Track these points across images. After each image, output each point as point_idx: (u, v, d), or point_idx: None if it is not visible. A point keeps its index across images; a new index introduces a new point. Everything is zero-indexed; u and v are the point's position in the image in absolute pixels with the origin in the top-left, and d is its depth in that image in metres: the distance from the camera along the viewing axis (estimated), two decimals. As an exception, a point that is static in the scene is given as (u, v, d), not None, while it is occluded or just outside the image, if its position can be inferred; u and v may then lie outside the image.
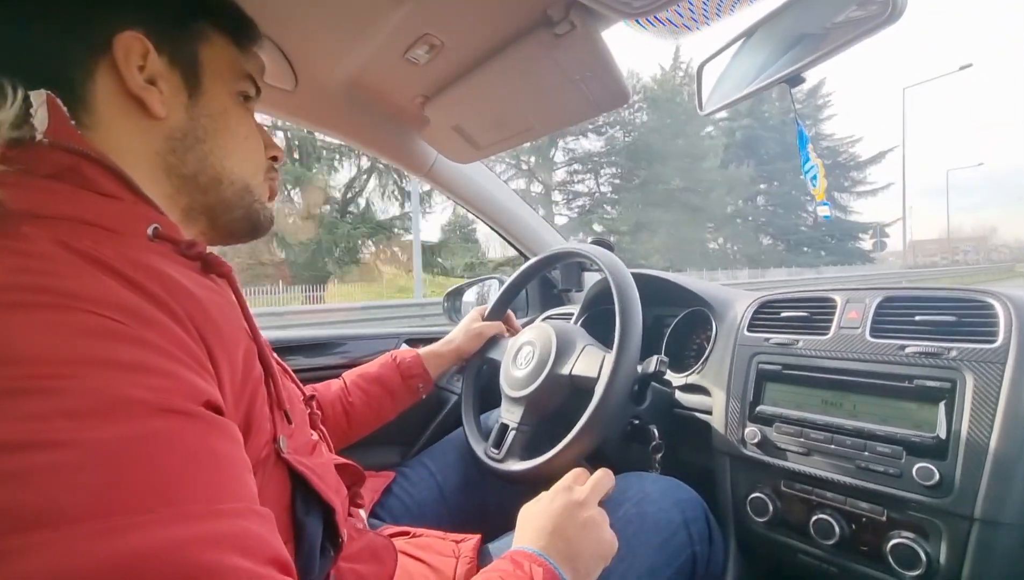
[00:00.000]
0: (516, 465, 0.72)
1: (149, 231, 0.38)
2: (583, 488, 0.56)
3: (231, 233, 0.50)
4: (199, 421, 0.29)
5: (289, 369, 0.60)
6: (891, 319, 0.65)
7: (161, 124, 0.42)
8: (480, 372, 0.94)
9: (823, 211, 0.71)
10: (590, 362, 0.71)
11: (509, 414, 0.78)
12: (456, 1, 0.64)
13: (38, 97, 0.35)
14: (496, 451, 0.77)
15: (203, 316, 0.35)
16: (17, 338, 0.25)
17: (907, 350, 0.61)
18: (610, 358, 0.66)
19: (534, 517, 0.53)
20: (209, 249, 0.43)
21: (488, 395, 0.92)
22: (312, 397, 0.61)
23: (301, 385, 0.62)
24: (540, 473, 0.67)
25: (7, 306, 0.26)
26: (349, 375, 0.84)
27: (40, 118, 0.34)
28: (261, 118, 0.58)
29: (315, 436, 0.54)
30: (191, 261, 0.40)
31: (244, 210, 0.49)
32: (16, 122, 0.32)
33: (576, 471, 0.60)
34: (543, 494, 0.56)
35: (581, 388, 0.71)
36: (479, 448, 0.80)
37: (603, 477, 0.58)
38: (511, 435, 0.76)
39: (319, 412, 0.66)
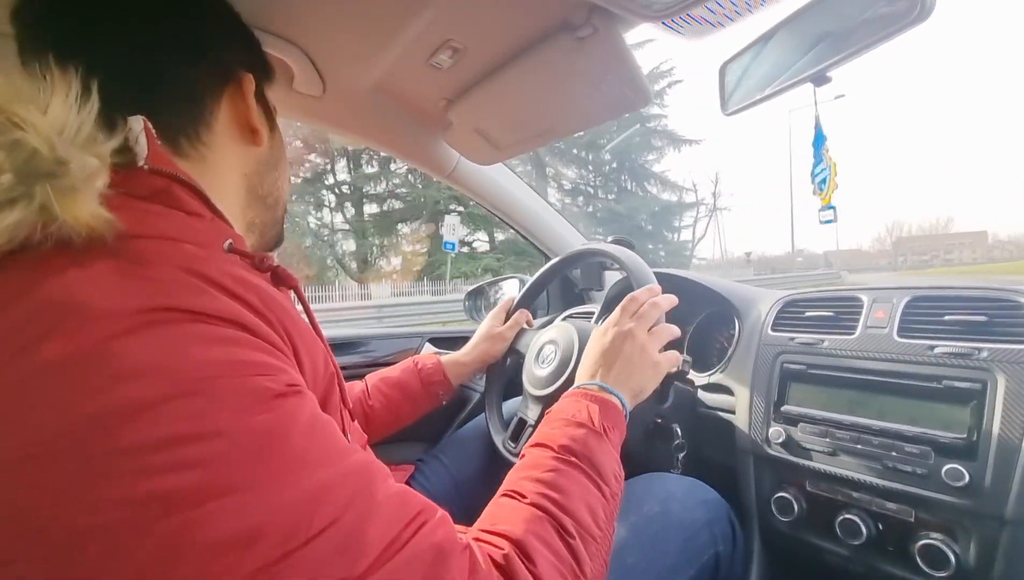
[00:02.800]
0: None
1: (225, 246, 0.41)
2: (631, 321, 0.62)
3: (269, 246, 0.56)
4: (303, 397, 0.34)
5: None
6: (919, 319, 0.65)
7: (257, 150, 0.49)
8: (505, 365, 0.95)
9: (825, 216, 0.69)
10: None
11: (528, 410, 0.79)
12: (478, 7, 0.66)
13: (136, 124, 0.38)
14: (513, 445, 0.79)
15: (289, 321, 0.39)
16: (169, 352, 0.29)
17: (936, 350, 0.60)
18: None
19: (588, 354, 0.62)
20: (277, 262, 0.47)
21: (512, 385, 0.93)
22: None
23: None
24: None
25: (154, 324, 0.29)
26: (371, 378, 0.86)
27: (141, 145, 0.37)
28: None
29: (363, 439, 0.57)
30: (263, 273, 0.44)
31: (279, 228, 0.56)
32: (120, 148, 0.34)
33: (626, 299, 0.64)
34: (596, 330, 0.64)
35: None
36: (498, 438, 0.82)
37: (650, 309, 0.64)
38: (528, 431, 0.77)
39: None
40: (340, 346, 1.21)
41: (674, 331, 0.66)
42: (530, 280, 0.99)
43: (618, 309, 0.64)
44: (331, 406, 0.44)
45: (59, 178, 0.30)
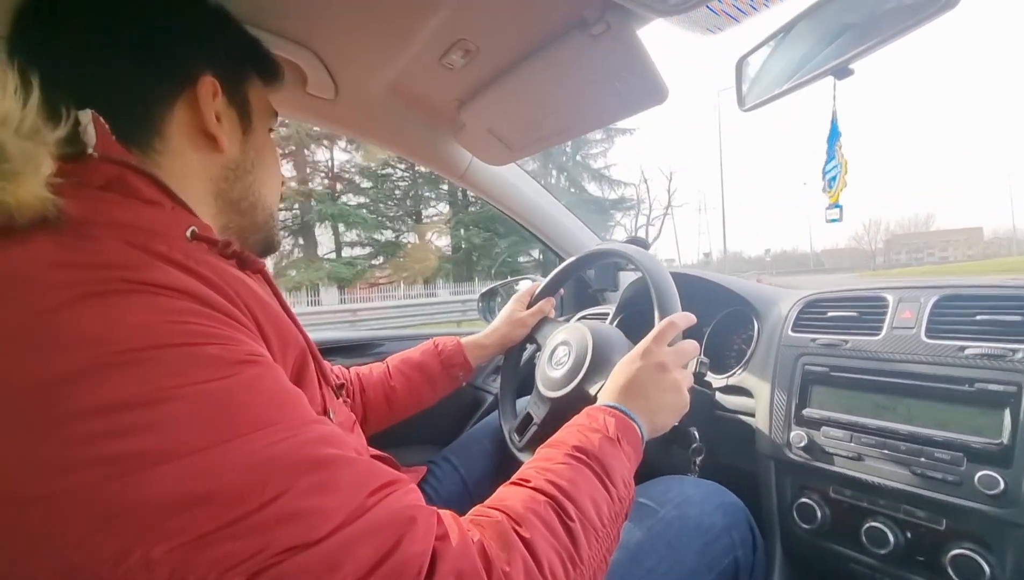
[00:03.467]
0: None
1: (188, 233, 0.41)
2: (668, 351, 0.60)
3: (254, 252, 0.54)
4: (266, 366, 0.35)
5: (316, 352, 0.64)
6: (949, 319, 0.62)
7: (221, 156, 0.48)
8: (523, 352, 0.94)
9: (831, 215, 0.67)
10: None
11: (536, 408, 0.78)
12: (491, 6, 0.65)
13: (85, 116, 0.38)
14: (518, 438, 0.78)
15: (251, 296, 0.40)
16: (113, 320, 0.29)
17: (967, 352, 0.58)
18: (654, 316, 0.66)
19: (616, 377, 0.60)
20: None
21: (531, 379, 0.92)
22: (342, 385, 0.64)
23: (330, 375, 0.65)
24: None
25: (96, 294, 0.30)
26: (392, 360, 0.87)
27: (89, 135, 0.38)
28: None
29: (353, 417, 0.57)
30: (228, 258, 0.45)
31: (266, 233, 0.55)
32: (68, 139, 0.35)
33: (660, 331, 0.62)
34: (631, 352, 0.62)
35: None
36: (507, 426, 0.82)
37: (688, 345, 0.62)
38: (533, 429, 0.77)
39: (350, 399, 0.70)
40: (355, 348, 1.22)
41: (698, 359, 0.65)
42: (545, 280, 0.98)
43: (654, 336, 0.61)
44: (306, 382, 0.44)
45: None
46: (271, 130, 0.57)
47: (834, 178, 0.68)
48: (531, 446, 0.76)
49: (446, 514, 0.36)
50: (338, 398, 0.52)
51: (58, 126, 0.34)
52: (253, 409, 0.31)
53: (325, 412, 0.46)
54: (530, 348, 0.94)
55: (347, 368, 0.85)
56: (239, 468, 0.29)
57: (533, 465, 0.46)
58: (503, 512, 0.38)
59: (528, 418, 0.79)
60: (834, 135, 0.68)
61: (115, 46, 0.42)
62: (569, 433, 0.50)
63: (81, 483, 0.25)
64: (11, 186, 0.30)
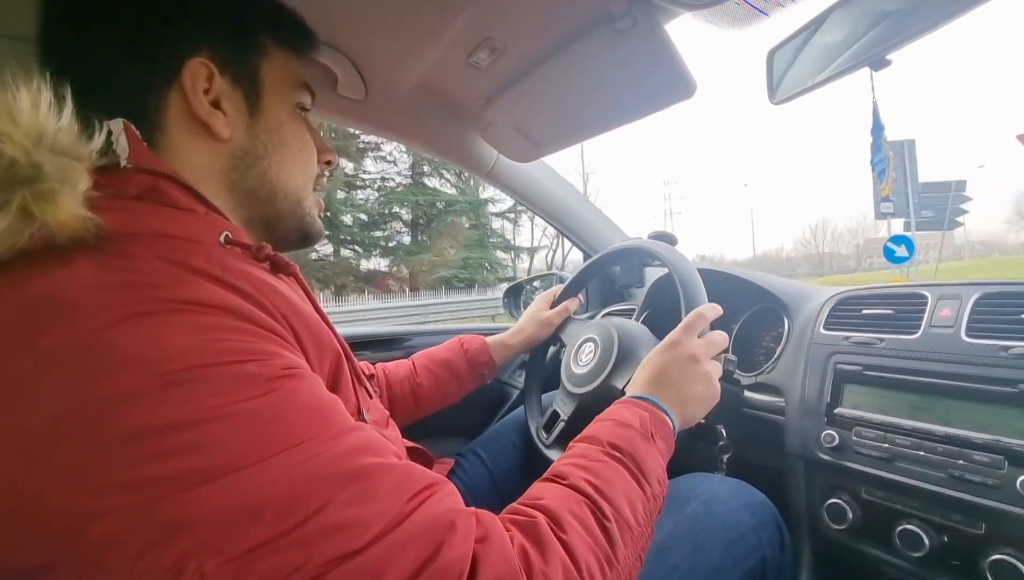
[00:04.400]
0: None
1: (221, 238, 0.41)
2: (698, 342, 0.60)
3: (286, 242, 0.53)
4: (302, 378, 0.35)
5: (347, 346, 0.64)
6: (991, 317, 0.60)
7: (225, 144, 0.45)
8: (548, 352, 0.95)
9: (886, 208, 0.65)
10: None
11: (562, 404, 0.79)
12: (517, 4, 0.65)
13: (116, 126, 0.38)
14: (545, 435, 0.79)
15: (286, 305, 0.39)
16: (155, 342, 0.30)
17: (1011, 351, 0.56)
18: (681, 313, 0.66)
19: (646, 368, 0.60)
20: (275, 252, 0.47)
21: (553, 378, 0.93)
22: (371, 376, 0.65)
23: (358, 366, 0.65)
24: None
25: (138, 315, 0.30)
26: (419, 358, 0.89)
27: (122, 145, 0.38)
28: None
29: (386, 413, 0.58)
30: (261, 262, 0.44)
31: (296, 222, 0.52)
32: (102, 151, 0.35)
33: (689, 322, 0.62)
34: (660, 344, 0.62)
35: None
36: (533, 423, 0.83)
37: (718, 336, 0.62)
38: (560, 426, 0.77)
39: (377, 390, 0.71)
40: (383, 342, 1.25)
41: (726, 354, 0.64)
42: (571, 276, 0.98)
43: (684, 326, 0.61)
44: (342, 383, 0.44)
45: (37, 183, 0.31)
46: (303, 107, 0.53)
47: (883, 171, 0.66)
48: (559, 443, 0.76)
49: (484, 515, 0.36)
50: (371, 397, 0.52)
51: (92, 138, 0.34)
52: (292, 424, 0.32)
53: (359, 411, 0.46)
54: (555, 348, 0.94)
55: (372, 363, 0.87)
56: (282, 483, 0.29)
57: (569, 461, 0.46)
58: (541, 511, 0.39)
59: (555, 415, 0.80)
60: (878, 127, 0.66)
61: (106, 37, 0.41)
62: (603, 428, 0.50)
63: (135, 502, 0.26)
64: (51, 206, 0.31)
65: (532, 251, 20.85)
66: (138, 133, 0.39)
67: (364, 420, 0.46)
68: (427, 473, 0.36)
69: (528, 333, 0.92)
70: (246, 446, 0.29)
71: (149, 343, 0.30)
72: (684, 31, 0.65)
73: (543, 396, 0.93)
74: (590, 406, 0.75)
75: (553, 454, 0.75)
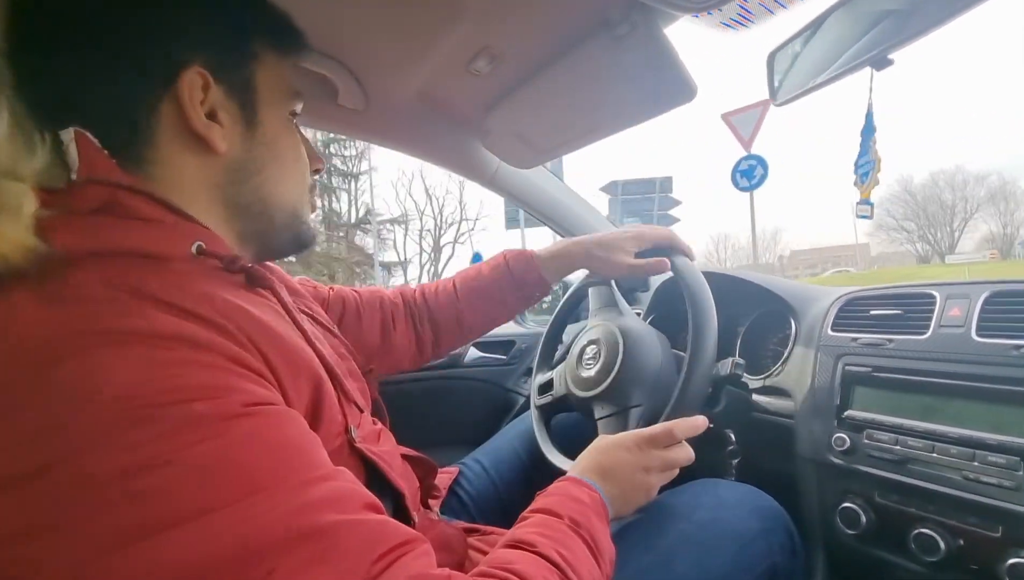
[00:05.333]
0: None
1: (192, 249, 0.38)
2: (657, 455, 0.57)
3: (280, 252, 0.52)
4: (267, 417, 0.32)
5: (350, 346, 0.60)
6: (1001, 316, 0.59)
7: (220, 158, 0.42)
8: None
9: (862, 210, 0.65)
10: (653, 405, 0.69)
11: (600, 410, 0.76)
12: (515, 12, 0.66)
13: (67, 135, 0.35)
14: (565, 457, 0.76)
15: (255, 328, 0.36)
16: (92, 380, 0.28)
17: (1023, 350, 0.55)
18: (675, 394, 0.64)
19: (596, 455, 0.57)
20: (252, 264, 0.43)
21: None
22: (371, 370, 0.62)
23: (359, 359, 0.61)
24: None
25: (75, 352, 0.28)
26: (460, 280, 0.81)
27: (72, 157, 0.35)
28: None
29: (376, 426, 0.54)
30: (236, 275, 0.41)
31: (292, 232, 0.50)
32: (48, 168, 0.33)
33: (662, 428, 0.59)
34: (624, 437, 0.59)
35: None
36: (548, 450, 0.79)
37: (680, 454, 0.59)
38: (611, 423, 0.73)
39: (381, 375, 0.67)
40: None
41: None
42: (576, 282, 0.98)
43: (650, 435, 0.58)
44: (325, 405, 0.41)
45: None
46: (293, 114, 0.50)
47: (867, 173, 0.66)
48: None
49: (457, 578, 0.34)
50: (362, 411, 0.49)
51: (35, 154, 0.32)
52: (247, 470, 0.29)
53: (347, 430, 0.44)
54: (559, 352, 0.93)
55: (410, 287, 0.83)
56: (230, 539, 0.27)
57: (533, 530, 0.44)
58: (516, 576, 0.37)
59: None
60: (868, 129, 0.66)
61: (86, 44, 0.37)
62: (559, 502, 0.48)
63: (68, 555, 0.25)
64: None
65: (404, 265, 19.73)
66: (97, 143, 0.36)
67: (352, 438, 0.43)
68: (399, 529, 0.34)
69: (596, 256, 0.76)
70: (189, 497, 0.27)
71: (87, 383, 0.27)
72: (685, 34, 0.65)
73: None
74: (612, 400, 0.74)
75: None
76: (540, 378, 0.87)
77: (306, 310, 0.56)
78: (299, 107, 0.50)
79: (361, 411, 0.48)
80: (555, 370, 0.85)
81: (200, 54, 0.40)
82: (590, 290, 0.87)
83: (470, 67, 0.77)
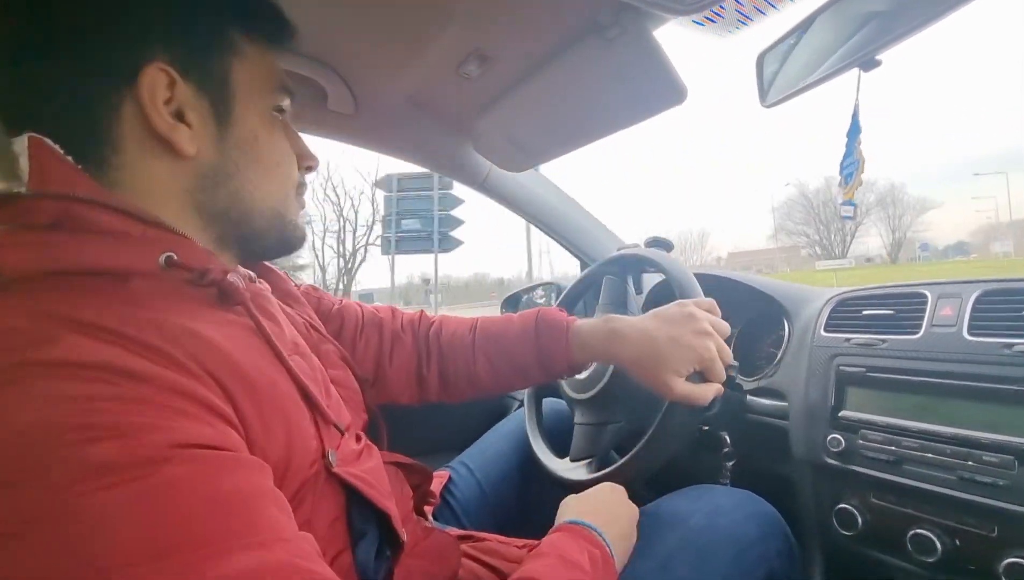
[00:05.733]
0: (582, 474, 0.71)
1: (161, 261, 0.35)
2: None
3: (264, 255, 0.49)
4: (198, 463, 0.28)
5: (347, 355, 0.58)
6: (993, 315, 0.59)
7: (190, 162, 0.39)
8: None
9: (846, 211, 0.65)
10: None
11: (588, 417, 0.76)
12: (504, 15, 0.65)
13: (20, 144, 0.33)
14: (562, 463, 0.76)
15: (213, 354, 0.33)
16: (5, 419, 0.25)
17: (1015, 348, 0.55)
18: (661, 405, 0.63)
19: (584, 500, 0.56)
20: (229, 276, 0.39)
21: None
22: (366, 380, 0.59)
23: (357, 370, 0.58)
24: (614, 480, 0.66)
25: None
26: (482, 333, 0.68)
27: (22, 168, 0.33)
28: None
29: (360, 443, 0.50)
30: (206, 289, 0.38)
31: (276, 235, 0.46)
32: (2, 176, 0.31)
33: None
34: (603, 486, 0.59)
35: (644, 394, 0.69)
36: (546, 458, 0.78)
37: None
38: (603, 433, 0.74)
39: (375, 395, 0.62)
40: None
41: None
42: (568, 286, 0.97)
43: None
44: (298, 435, 0.38)
45: None
46: (280, 110, 0.46)
47: (851, 174, 0.66)
48: (576, 458, 0.75)
49: None
50: (343, 434, 0.45)
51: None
52: (152, 529, 0.25)
53: (324, 456, 0.41)
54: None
55: (429, 315, 0.72)
56: None
57: None
58: None
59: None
60: (854, 130, 0.66)
61: (45, 42, 0.35)
62: (550, 570, 0.44)
63: None
64: None
65: (323, 266, 19.47)
66: (57, 149, 0.34)
67: (330, 463, 0.40)
68: None
69: (636, 371, 0.61)
70: (72, 556, 0.23)
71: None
72: (674, 37, 0.64)
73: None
74: (594, 410, 0.74)
75: (574, 473, 0.72)
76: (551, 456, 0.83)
77: (304, 317, 0.55)
78: (286, 102, 0.47)
79: (342, 432, 0.44)
80: None
81: (165, 48, 0.37)
82: (604, 280, 0.86)
83: (460, 70, 0.77)
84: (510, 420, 0.90)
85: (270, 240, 0.46)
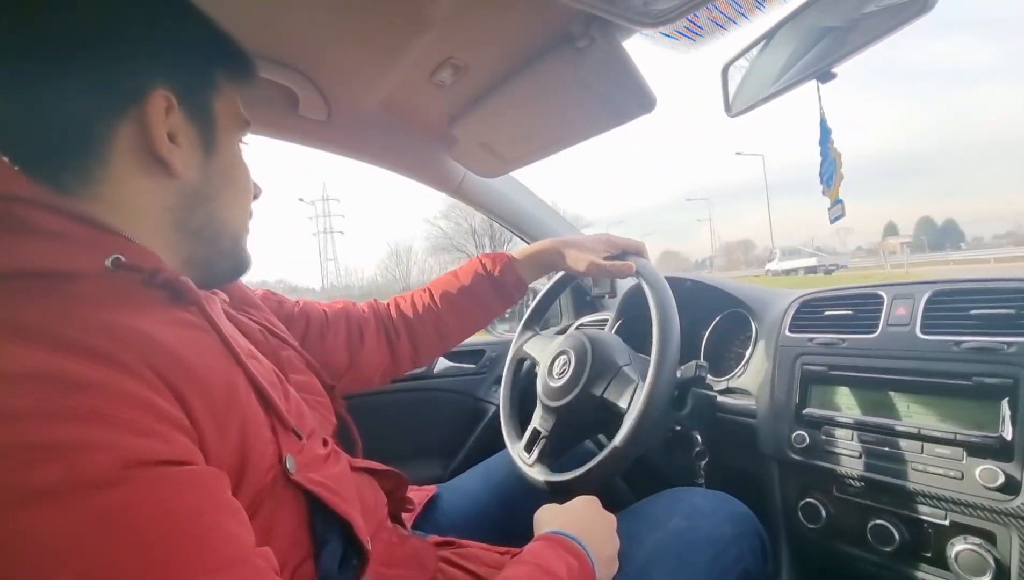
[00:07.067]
0: (547, 475, 0.72)
1: (108, 263, 0.35)
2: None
3: (218, 280, 0.49)
4: (152, 483, 0.27)
5: (312, 361, 0.58)
6: (943, 314, 0.63)
7: (176, 181, 0.41)
8: (519, 373, 0.94)
9: (835, 212, 0.67)
10: (622, 389, 0.70)
11: (543, 421, 0.78)
12: (478, 25, 0.66)
13: None
14: (527, 455, 0.78)
15: (167, 357, 0.32)
16: None
17: (963, 346, 0.58)
18: (643, 388, 0.65)
19: (566, 512, 0.57)
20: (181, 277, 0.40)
21: (527, 397, 0.90)
22: (333, 387, 0.59)
23: (324, 376, 0.59)
24: (579, 485, 0.67)
25: None
26: (437, 287, 0.79)
27: None
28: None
29: (326, 448, 0.50)
30: (158, 290, 0.38)
31: (234, 258, 0.48)
32: None
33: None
34: (580, 500, 0.59)
35: (613, 411, 0.71)
36: (513, 447, 0.81)
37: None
38: (541, 443, 0.76)
39: (344, 401, 0.62)
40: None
41: None
42: (543, 289, 0.98)
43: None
44: (254, 440, 0.37)
45: None
46: (240, 141, 0.49)
47: (831, 175, 0.69)
48: (541, 460, 0.76)
49: None
50: (302, 439, 0.44)
51: None
52: (99, 558, 0.24)
53: (281, 461, 0.40)
54: (527, 365, 0.94)
55: (379, 303, 0.80)
56: None
57: None
58: None
59: (535, 433, 0.79)
60: (825, 135, 0.69)
61: (38, 56, 0.35)
62: (529, 577, 0.45)
63: None
64: None
65: None
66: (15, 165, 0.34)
67: (287, 469, 0.40)
68: None
69: (569, 257, 0.78)
70: None
71: None
72: (643, 49, 0.66)
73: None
74: (571, 416, 0.76)
75: (536, 472, 0.74)
76: (519, 444, 0.84)
77: (263, 323, 0.54)
78: (247, 134, 0.50)
79: (300, 438, 0.44)
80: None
81: (166, 79, 0.39)
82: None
83: (434, 78, 0.77)
84: (498, 458, 0.88)
85: (228, 263, 0.48)
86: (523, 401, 0.93)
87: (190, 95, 0.41)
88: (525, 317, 0.96)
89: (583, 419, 0.76)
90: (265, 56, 0.73)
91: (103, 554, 0.24)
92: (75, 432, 0.25)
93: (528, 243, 1.29)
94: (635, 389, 0.68)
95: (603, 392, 0.72)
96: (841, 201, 0.66)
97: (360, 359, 0.73)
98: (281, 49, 0.73)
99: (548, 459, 0.76)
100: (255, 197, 0.53)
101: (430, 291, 0.79)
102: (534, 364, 0.88)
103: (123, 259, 0.35)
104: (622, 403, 0.68)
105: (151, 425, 0.29)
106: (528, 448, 0.79)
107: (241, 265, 0.49)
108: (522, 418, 0.89)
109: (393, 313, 0.78)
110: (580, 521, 0.55)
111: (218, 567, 0.27)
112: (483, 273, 0.78)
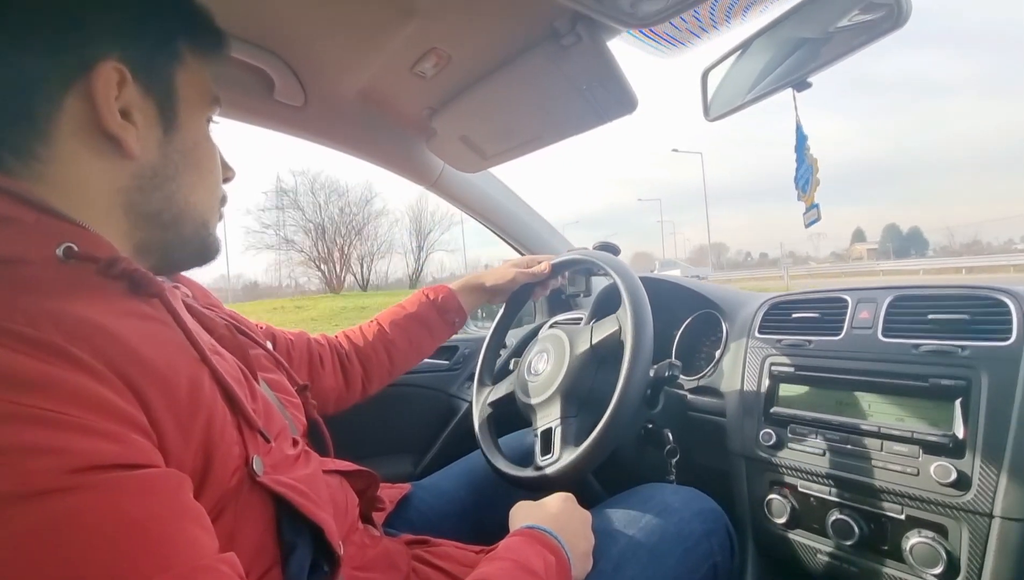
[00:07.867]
0: (521, 471, 0.72)
1: (59, 252, 0.33)
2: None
3: (181, 265, 0.47)
4: (104, 490, 0.25)
5: (283, 361, 0.58)
6: (904, 318, 0.66)
7: (130, 161, 0.38)
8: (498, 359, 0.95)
9: (811, 216, 0.69)
10: (606, 325, 0.72)
11: (546, 417, 0.75)
12: (464, 16, 0.65)
13: None
14: (549, 456, 0.73)
15: (124, 351, 0.30)
16: None
17: (921, 349, 0.61)
18: (616, 386, 0.65)
19: (545, 507, 0.57)
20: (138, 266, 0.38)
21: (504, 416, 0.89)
22: (306, 387, 0.58)
23: (295, 376, 0.58)
24: (553, 480, 0.67)
25: None
26: (384, 317, 0.85)
27: None
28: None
29: (297, 448, 0.48)
30: (115, 281, 0.35)
31: (199, 243, 0.45)
32: None
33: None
34: (558, 496, 0.59)
35: (607, 355, 0.72)
36: (494, 458, 0.78)
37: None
38: (558, 431, 0.73)
39: (315, 402, 0.61)
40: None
41: None
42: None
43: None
44: (218, 440, 0.35)
45: None
46: (210, 120, 0.46)
47: (807, 181, 0.70)
48: (568, 445, 0.75)
49: None
50: (270, 441, 0.42)
51: None
52: (48, 570, 0.22)
53: (247, 463, 0.38)
54: (503, 353, 0.94)
55: (328, 335, 0.82)
56: None
57: None
58: None
59: (548, 431, 0.75)
60: (801, 141, 0.71)
61: None
62: (506, 573, 0.45)
63: None
64: None
65: None
66: None
67: (253, 471, 0.38)
68: None
69: (491, 283, 0.89)
70: None
71: None
72: (626, 51, 0.67)
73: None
74: (572, 388, 0.74)
75: (510, 468, 0.73)
76: (484, 391, 0.87)
77: (228, 319, 0.52)
78: (216, 113, 0.47)
79: (268, 439, 0.42)
80: (500, 383, 0.86)
81: (119, 47, 0.36)
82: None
83: (415, 69, 0.76)
84: (467, 460, 0.88)
85: (191, 249, 0.45)
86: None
87: (147, 67, 0.38)
88: (497, 320, 0.96)
89: (584, 383, 0.74)
90: (240, 37, 0.70)
91: (50, 567, 0.22)
92: (19, 435, 0.24)
93: (505, 240, 1.29)
94: (617, 318, 0.70)
95: (591, 342, 0.73)
96: (817, 206, 0.68)
97: (321, 382, 0.75)
98: (257, 30, 0.71)
99: (573, 442, 0.73)
100: (227, 180, 0.50)
101: (378, 322, 0.84)
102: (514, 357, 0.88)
103: (75, 249, 0.33)
104: (611, 329, 0.70)
105: (104, 426, 0.27)
106: (547, 450, 0.74)
107: (207, 251, 0.47)
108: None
109: (344, 343, 0.82)
110: (556, 517, 0.55)
111: (180, 576, 0.25)
112: (427, 301, 0.87)
